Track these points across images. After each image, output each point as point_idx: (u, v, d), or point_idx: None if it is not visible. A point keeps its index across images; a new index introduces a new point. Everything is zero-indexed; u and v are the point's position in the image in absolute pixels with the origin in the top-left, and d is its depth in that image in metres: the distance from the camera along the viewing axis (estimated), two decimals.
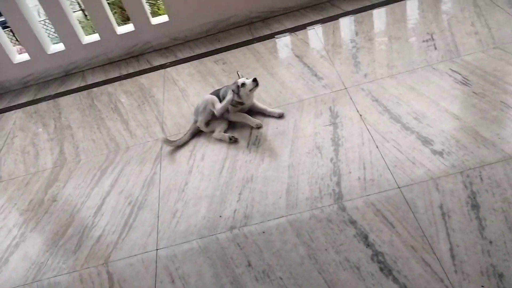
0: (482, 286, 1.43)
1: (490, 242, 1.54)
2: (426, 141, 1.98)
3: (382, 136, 2.08)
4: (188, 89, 2.90)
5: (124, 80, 3.22)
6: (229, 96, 2.33)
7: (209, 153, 2.30)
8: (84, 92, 3.21)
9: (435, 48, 2.56)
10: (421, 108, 2.16)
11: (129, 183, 2.27)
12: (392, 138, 2.05)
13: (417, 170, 1.87)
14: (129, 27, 3.38)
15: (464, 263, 1.50)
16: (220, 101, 2.41)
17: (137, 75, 3.23)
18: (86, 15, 6.64)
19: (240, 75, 2.40)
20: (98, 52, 3.43)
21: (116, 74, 3.32)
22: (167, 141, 2.37)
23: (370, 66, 2.58)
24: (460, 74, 2.30)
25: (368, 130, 2.13)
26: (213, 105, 2.37)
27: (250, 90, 2.32)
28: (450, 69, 2.36)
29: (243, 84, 2.30)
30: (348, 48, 2.82)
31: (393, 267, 1.55)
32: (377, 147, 2.03)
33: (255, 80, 2.28)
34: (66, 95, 3.26)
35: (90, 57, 3.45)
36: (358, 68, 2.59)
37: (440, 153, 1.91)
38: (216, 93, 2.48)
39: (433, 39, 2.64)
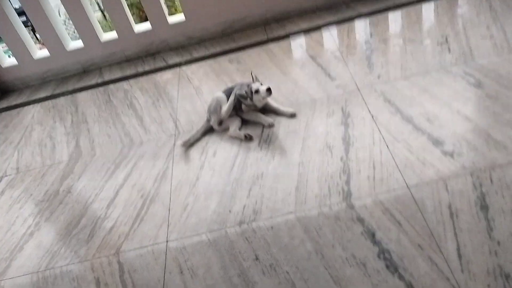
0: (488, 286, 1.43)
1: (498, 243, 1.53)
2: (437, 142, 1.98)
3: (393, 136, 2.08)
4: (202, 87, 2.94)
5: (140, 77, 3.28)
6: (231, 100, 2.37)
7: (221, 150, 2.34)
8: (101, 88, 3.28)
9: (449, 51, 2.56)
10: (433, 110, 2.16)
11: (142, 177, 2.31)
12: (403, 139, 2.05)
13: (427, 170, 1.87)
14: (146, 26, 3.45)
15: (471, 262, 1.50)
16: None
17: (153, 73, 3.30)
18: (105, 16, 6.75)
19: (254, 77, 2.43)
20: (116, 50, 3.51)
21: (133, 72, 3.39)
22: (184, 144, 2.40)
23: (383, 67, 2.58)
24: (473, 77, 2.30)
25: (379, 130, 2.14)
26: (221, 106, 2.41)
27: (263, 98, 2.36)
28: (464, 71, 2.35)
29: (257, 91, 2.34)
30: (362, 49, 2.83)
31: (399, 264, 1.56)
32: (387, 147, 2.04)
33: (269, 90, 2.31)
34: (84, 91, 3.34)
35: (108, 55, 3.53)
36: (372, 69, 2.60)
37: (451, 154, 1.91)
38: (229, 90, 2.51)
39: (447, 42, 2.64)
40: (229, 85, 2.78)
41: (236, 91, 2.47)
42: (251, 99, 2.37)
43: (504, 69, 2.29)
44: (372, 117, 2.24)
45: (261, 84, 2.37)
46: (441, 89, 2.28)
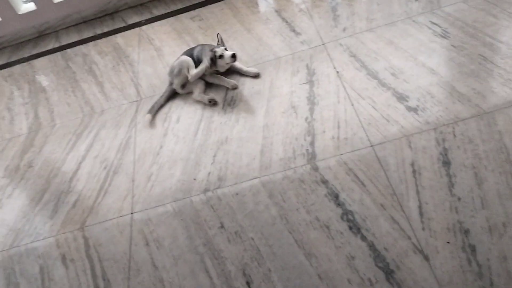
0: (448, 242, 1.45)
1: (459, 198, 1.55)
2: (401, 98, 1.95)
3: (358, 93, 2.04)
4: (164, 48, 2.81)
5: (98, 40, 3.11)
6: (204, 65, 2.28)
7: (184, 115, 2.27)
8: (58, 54, 3.11)
9: None
10: (398, 63, 2.11)
11: (104, 147, 2.24)
12: (368, 96, 2.01)
13: (390, 127, 1.85)
14: None
15: (431, 220, 1.52)
16: (194, 61, 2.34)
17: (112, 34, 3.12)
18: None
19: (219, 39, 2.32)
20: (71, 11, 3.29)
21: (91, 34, 3.21)
22: (150, 113, 2.31)
23: (349, 19, 2.49)
24: (439, 26, 2.23)
25: (344, 87, 2.09)
26: (188, 69, 2.31)
27: (227, 63, 2.26)
28: (430, 21, 2.28)
29: (221, 56, 2.24)
30: (328, 0, 2.71)
31: (362, 225, 1.57)
32: (352, 105, 2.00)
33: (234, 55, 2.21)
34: (40, 57, 3.16)
35: (63, 16, 3.32)
36: (337, 22, 2.51)
37: (415, 110, 1.88)
38: (190, 52, 2.41)
39: None
40: (191, 45, 2.66)
41: (197, 53, 2.37)
42: (215, 63, 2.27)
43: (470, 17, 2.23)
44: (337, 73, 2.18)
45: (226, 49, 2.27)
46: (407, 40, 2.22)
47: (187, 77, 2.33)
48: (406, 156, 1.72)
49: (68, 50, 3.11)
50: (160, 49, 2.81)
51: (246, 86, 2.31)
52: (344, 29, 2.43)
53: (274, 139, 1.98)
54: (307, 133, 1.95)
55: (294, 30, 2.56)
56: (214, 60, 2.26)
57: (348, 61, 2.22)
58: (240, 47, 2.56)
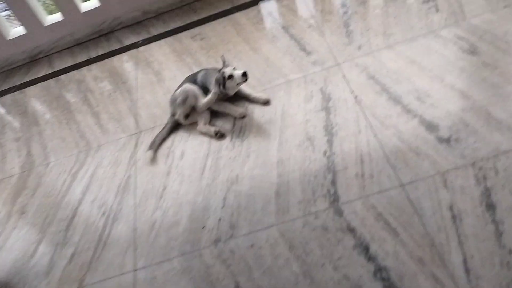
0: None
1: (510, 251, 1.34)
2: (430, 126, 1.74)
3: (380, 121, 1.83)
4: (163, 72, 2.61)
5: (93, 64, 2.92)
6: (214, 92, 2.08)
7: (189, 150, 2.06)
8: (52, 81, 2.92)
9: (437, 10, 2.25)
10: (423, 85, 1.90)
11: (102, 189, 2.04)
12: (392, 124, 1.80)
13: (421, 162, 1.64)
14: (93, 3, 3.03)
15: (480, 279, 1.31)
16: (200, 87, 2.15)
17: (108, 57, 2.93)
18: None
19: (224, 62, 2.12)
20: (63, 33, 3.10)
21: (85, 57, 3.01)
22: (151, 148, 2.11)
23: (364, 35, 2.28)
24: (467, 41, 2.02)
25: (364, 114, 1.88)
26: (195, 98, 2.11)
27: (238, 84, 2.06)
28: (455, 35, 2.07)
29: (231, 76, 2.03)
30: (339, 14, 2.50)
31: (399, 285, 1.36)
32: (375, 135, 1.79)
33: (245, 74, 2.00)
34: (33, 84, 2.97)
35: (55, 39, 3.12)
36: (351, 38, 2.30)
37: (447, 141, 1.67)
38: (193, 78, 2.21)
39: None
40: (194, 68, 2.46)
41: (201, 78, 2.17)
42: (224, 86, 2.06)
43: (501, 29, 2.01)
44: (356, 98, 1.97)
45: (234, 68, 2.06)
46: (431, 58, 2.01)
47: (191, 107, 2.13)
48: (443, 197, 1.52)
49: (62, 77, 2.92)
50: (159, 73, 2.61)
51: (256, 114, 2.11)
52: (359, 47, 2.22)
53: (290, 177, 1.77)
54: (327, 170, 1.74)
55: (304, 49, 2.35)
56: (223, 82, 2.05)
57: (366, 83, 2.02)
58: (246, 68, 2.34)
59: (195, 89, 2.13)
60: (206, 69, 2.23)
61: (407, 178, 1.60)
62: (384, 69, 2.05)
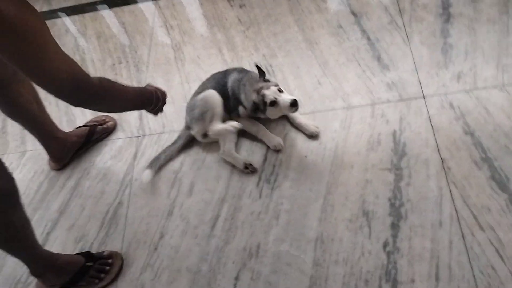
0: None
1: None
2: None
3: (474, 215, 1.27)
4: (185, 48, 1.99)
5: (98, 12, 2.28)
6: (238, 123, 1.51)
7: (200, 185, 1.55)
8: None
9: None
10: None
11: (83, 214, 1.58)
12: (490, 224, 1.25)
13: None
14: None
15: None
16: (226, 96, 1.57)
17: (118, 6, 2.27)
18: None
19: (261, 71, 1.51)
20: None
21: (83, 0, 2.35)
22: (151, 168, 1.59)
23: (468, 58, 1.60)
24: None
25: (451, 195, 1.32)
26: (212, 116, 1.53)
27: (283, 114, 1.52)
28: None
29: (274, 103, 1.44)
30: (437, 12, 1.77)
31: None
32: (463, 236, 1.24)
33: (294, 104, 1.42)
34: None
35: None
36: (449, 58, 1.62)
37: None
38: (222, 80, 1.61)
39: None
40: (223, 49, 1.87)
41: (234, 84, 1.58)
42: (263, 111, 1.49)
43: None
44: (442, 163, 1.39)
45: (279, 90, 1.46)
46: None
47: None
48: None
49: (58, 20, 2.30)
50: (179, 48, 1.99)
51: (297, 149, 1.54)
52: (458, 76, 1.56)
53: (330, 270, 1.28)
54: (384, 274, 1.24)
55: (379, 58, 1.69)
56: (263, 109, 1.48)
57: (461, 142, 1.41)
58: (294, 72, 1.73)
59: (217, 100, 1.55)
60: (242, 71, 1.61)
61: None
62: (492, 123, 1.43)
